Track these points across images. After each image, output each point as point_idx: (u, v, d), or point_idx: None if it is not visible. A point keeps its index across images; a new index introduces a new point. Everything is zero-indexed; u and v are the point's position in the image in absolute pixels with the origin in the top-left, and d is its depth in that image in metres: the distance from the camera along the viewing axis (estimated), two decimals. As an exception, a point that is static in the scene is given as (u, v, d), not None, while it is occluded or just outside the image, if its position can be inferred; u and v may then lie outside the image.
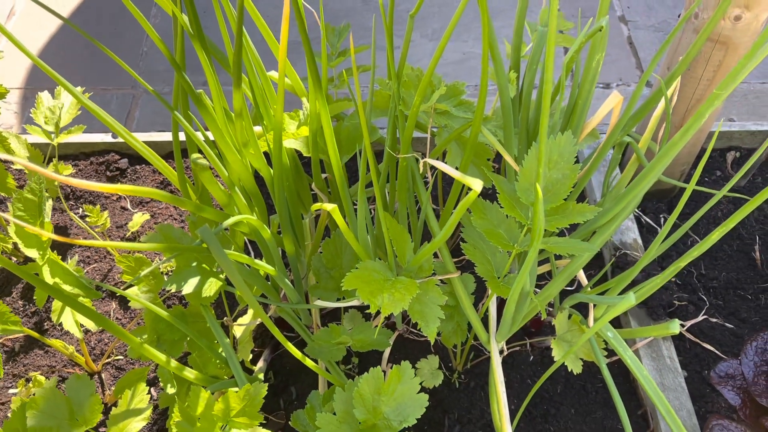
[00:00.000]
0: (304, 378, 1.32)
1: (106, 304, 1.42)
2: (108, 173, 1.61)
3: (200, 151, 1.07)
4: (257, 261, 0.96)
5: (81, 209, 1.57)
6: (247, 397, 0.90)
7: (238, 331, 1.29)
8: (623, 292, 1.15)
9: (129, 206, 1.57)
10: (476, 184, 0.67)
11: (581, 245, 0.96)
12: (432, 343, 1.35)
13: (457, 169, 0.94)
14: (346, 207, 1.03)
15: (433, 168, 1.58)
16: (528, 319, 1.13)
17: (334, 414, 0.97)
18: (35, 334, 1.12)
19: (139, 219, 1.43)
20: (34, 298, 1.03)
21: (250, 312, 1.39)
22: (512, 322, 1.08)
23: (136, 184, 1.60)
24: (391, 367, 0.96)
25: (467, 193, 1.29)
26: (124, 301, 1.43)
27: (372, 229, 1.09)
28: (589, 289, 1.21)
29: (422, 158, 1.14)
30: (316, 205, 0.91)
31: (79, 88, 1.39)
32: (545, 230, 1.02)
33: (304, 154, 1.11)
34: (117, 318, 1.39)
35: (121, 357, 1.34)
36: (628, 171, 1.16)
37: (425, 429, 1.25)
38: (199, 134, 1.22)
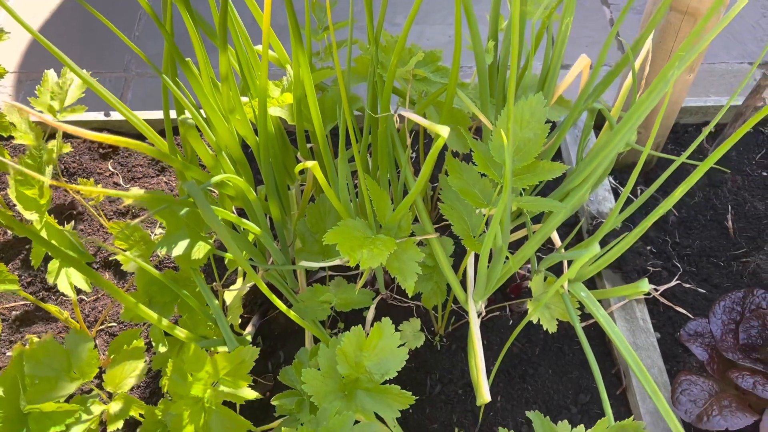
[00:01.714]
0: (292, 342, 1.37)
1: (99, 274, 1.46)
2: (101, 150, 1.65)
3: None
4: (244, 220, 1.01)
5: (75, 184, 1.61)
6: (238, 359, 0.95)
7: (228, 297, 1.33)
8: (596, 253, 1.20)
9: (121, 182, 1.61)
10: (444, 131, 0.72)
11: (551, 203, 1.01)
12: (414, 309, 1.40)
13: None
14: (328, 169, 1.08)
15: (414, 143, 1.63)
16: (504, 279, 1.18)
17: (319, 370, 1.02)
18: (31, 297, 1.16)
19: (132, 194, 1.47)
20: (30, 258, 1.07)
21: (240, 280, 1.43)
22: (488, 280, 1.13)
23: (128, 161, 1.64)
24: (375, 330, 1.01)
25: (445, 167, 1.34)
26: (117, 273, 1.48)
27: (353, 192, 1.14)
28: (563, 250, 1.26)
29: (401, 124, 1.19)
30: (300, 165, 0.95)
31: (55, 77, 1.43)
32: (519, 190, 1.07)
33: (289, 122, 1.15)
34: (110, 287, 1.44)
35: (114, 324, 1.39)
36: (601, 138, 1.21)
37: (408, 389, 1.29)
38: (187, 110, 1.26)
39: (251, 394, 0.95)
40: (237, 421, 0.95)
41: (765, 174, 1.60)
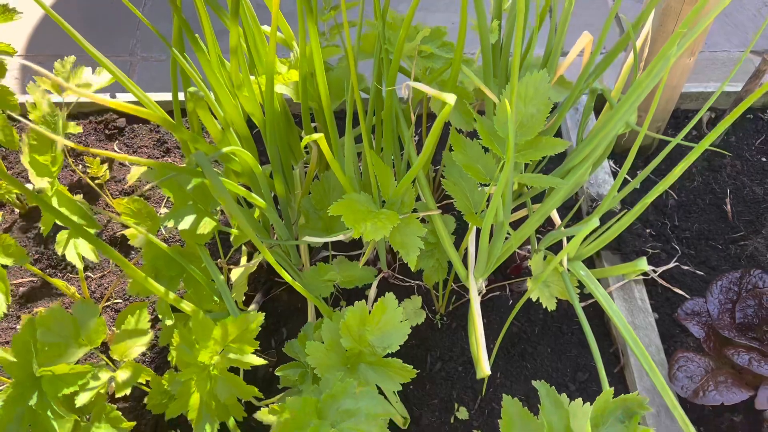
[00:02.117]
0: (295, 320, 1.39)
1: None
2: (107, 131, 1.67)
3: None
4: (250, 193, 1.03)
5: (80, 166, 1.63)
6: (244, 325, 0.97)
7: (233, 275, 1.35)
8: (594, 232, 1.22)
9: (127, 163, 1.63)
10: (450, 98, 0.74)
11: (552, 179, 1.03)
12: (416, 288, 1.42)
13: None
14: (334, 143, 1.09)
15: (417, 126, 1.65)
16: (505, 257, 1.20)
17: (323, 343, 1.04)
18: (38, 271, 1.18)
19: (136, 172, 1.48)
20: (41, 226, 1.09)
21: (243, 259, 1.45)
22: (488, 257, 1.15)
23: (133, 142, 1.66)
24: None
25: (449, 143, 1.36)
26: (122, 250, 1.49)
27: (358, 170, 1.15)
28: (563, 228, 1.28)
29: (406, 103, 1.21)
30: (307, 138, 0.97)
31: (72, 57, 1.44)
32: (521, 165, 1.09)
33: (294, 100, 1.17)
34: (116, 265, 1.46)
35: (120, 300, 1.41)
36: (601, 118, 1.22)
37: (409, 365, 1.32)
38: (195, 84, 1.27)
39: (257, 360, 0.97)
40: (242, 387, 0.97)
41: (764, 159, 1.62)
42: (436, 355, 1.33)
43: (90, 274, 1.44)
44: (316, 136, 0.93)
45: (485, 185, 1.13)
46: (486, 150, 1.08)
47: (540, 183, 1.00)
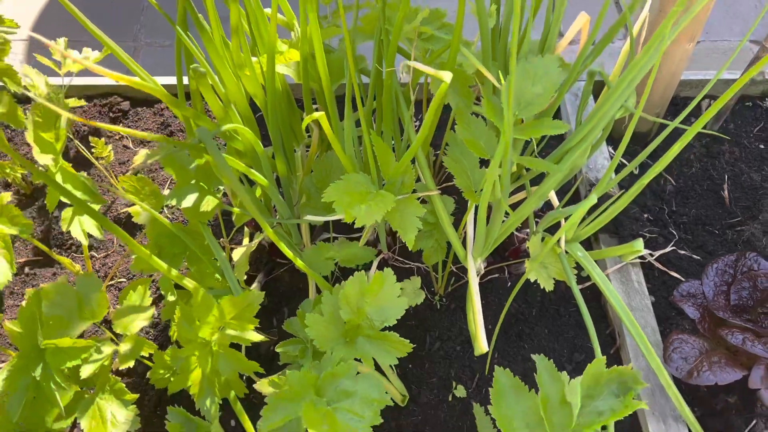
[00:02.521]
0: (296, 300, 1.40)
1: (107, 234, 1.50)
2: (111, 114, 1.69)
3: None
4: (252, 170, 1.04)
5: (82, 148, 1.65)
6: (244, 302, 0.98)
7: (235, 255, 1.37)
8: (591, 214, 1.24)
9: (130, 145, 1.64)
10: (446, 76, 0.75)
11: (547, 164, 1.04)
12: (415, 270, 1.43)
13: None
14: (334, 123, 1.11)
15: (418, 111, 1.66)
16: (503, 238, 1.22)
17: (322, 316, 1.06)
18: (43, 246, 1.20)
19: (142, 154, 1.50)
20: (45, 202, 1.11)
21: (245, 240, 1.47)
22: (487, 236, 1.16)
23: (137, 126, 1.67)
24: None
25: (452, 117, 1.37)
26: (126, 230, 1.51)
27: (359, 152, 1.17)
28: (560, 209, 1.29)
29: (406, 85, 1.22)
30: (309, 117, 0.98)
31: (64, 38, 1.45)
32: (521, 144, 1.10)
33: (295, 80, 1.18)
34: (120, 245, 1.48)
35: (123, 279, 1.43)
36: (599, 101, 1.24)
37: (408, 345, 1.34)
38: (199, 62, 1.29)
39: (257, 337, 0.99)
40: (244, 363, 0.99)
41: (762, 147, 1.63)
42: (435, 335, 1.35)
43: (94, 254, 1.46)
44: (317, 114, 0.95)
45: (485, 167, 1.15)
46: (488, 128, 1.09)
47: (536, 165, 1.02)
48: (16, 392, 0.92)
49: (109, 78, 0.76)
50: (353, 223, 1.12)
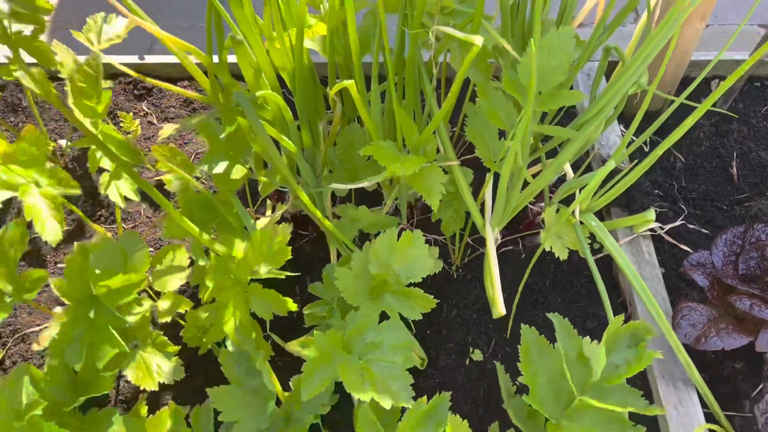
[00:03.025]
0: (318, 269, 1.45)
1: (136, 205, 1.55)
2: (135, 92, 1.74)
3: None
4: (282, 136, 1.09)
5: (109, 123, 1.70)
6: (276, 237, 1.03)
7: (259, 224, 1.42)
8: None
9: (155, 121, 1.69)
10: (477, 39, 0.80)
11: (567, 130, 1.09)
12: (432, 242, 1.48)
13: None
14: (361, 92, 1.15)
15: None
16: (521, 207, 1.27)
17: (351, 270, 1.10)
18: (79, 212, 1.25)
19: (167, 130, 1.55)
20: (88, 165, 1.16)
21: (269, 212, 1.52)
22: (505, 205, 1.21)
23: (161, 102, 1.72)
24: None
25: (469, 93, 1.41)
26: (152, 204, 1.56)
27: (383, 122, 1.22)
28: (576, 178, 1.34)
29: (427, 62, 1.26)
30: (338, 86, 1.03)
31: (101, 14, 1.49)
32: (540, 114, 1.15)
33: (321, 54, 1.23)
34: (147, 216, 1.53)
35: (151, 249, 1.48)
36: (613, 77, 1.28)
37: (426, 314, 1.38)
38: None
39: (289, 273, 1.03)
40: (279, 301, 1.04)
41: (770, 126, 1.68)
42: (452, 303, 1.40)
43: (123, 225, 1.51)
44: (347, 82, 0.99)
45: (503, 138, 1.20)
46: (507, 101, 1.14)
47: (556, 132, 1.07)
48: (71, 343, 0.97)
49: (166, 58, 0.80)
50: (373, 195, 1.17)
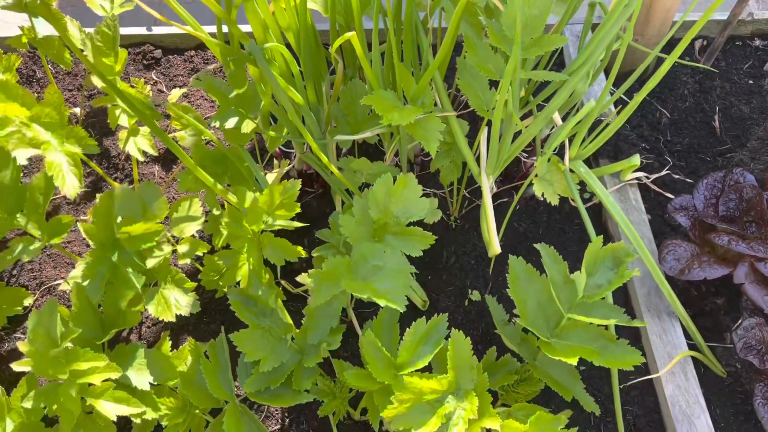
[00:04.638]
0: (324, 224, 1.53)
1: (150, 167, 1.63)
2: (144, 62, 1.81)
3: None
4: (290, 87, 1.17)
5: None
6: (286, 190, 1.12)
7: (268, 178, 1.50)
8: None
9: (164, 89, 1.77)
10: (467, -16, 0.88)
11: (554, 73, 1.17)
12: (431, 195, 1.57)
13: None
14: (360, 39, 1.23)
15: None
16: (514, 155, 1.35)
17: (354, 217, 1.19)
18: (98, 169, 1.34)
19: (176, 93, 1.63)
20: (108, 122, 1.24)
21: (276, 168, 1.60)
22: (499, 152, 1.29)
23: (169, 71, 1.80)
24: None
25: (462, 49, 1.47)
26: (164, 166, 1.65)
27: (383, 74, 1.29)
28: (562, 130, 1.42)
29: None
30: (342, 38, 1.11)
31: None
32: (527, 62, 1.23)
33: (323, 14, 1.31)
34: (161, 177, 1.61)
35: (166, 207, 1.56)
36: (597, 29, 1.36)
37: (427, 261, 1.47)
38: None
39: (299, 224, 1.12)
40: (289, 248, 1.12)
41: (751, 82, 1.75)
42: (451, 251, 1.49)
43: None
44: (350, 34, 1.07)
45: (495, 89, 1.27)
46: (495, 51, 1.22)
47: (543, 77, 1.15)
48: (95, 279, 1.05)
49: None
50: (374, 152, 1.23)
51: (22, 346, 1.02)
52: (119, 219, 1.11)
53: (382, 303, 1.00)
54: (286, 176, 1.59)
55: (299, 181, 1.13)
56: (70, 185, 1.15)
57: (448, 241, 1.50)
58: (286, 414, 1.30)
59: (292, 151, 1.62)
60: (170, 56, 1.83)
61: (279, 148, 1.62)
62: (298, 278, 1.23)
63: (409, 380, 0.98)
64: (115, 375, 0.99)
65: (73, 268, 1.44)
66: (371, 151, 1.61)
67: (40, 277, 1.44)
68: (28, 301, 1.27)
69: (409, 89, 1.20)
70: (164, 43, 1.84)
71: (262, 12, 1.17)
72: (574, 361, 1.01)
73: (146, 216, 1.13)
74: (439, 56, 1.13)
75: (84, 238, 1.51)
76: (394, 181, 1.15)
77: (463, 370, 1.02)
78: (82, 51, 1.25)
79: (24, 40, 1.51)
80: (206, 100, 1.76)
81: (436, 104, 1.43)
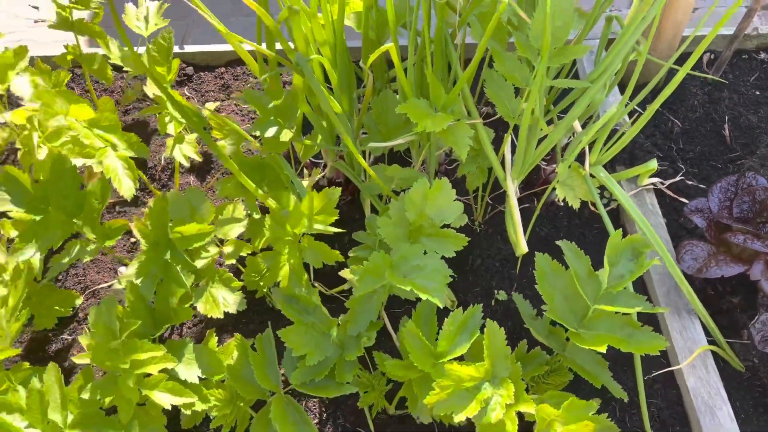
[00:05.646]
0: (353, 227, 1.60)
1: (185, 177, 1.71)
2: (177, 78, 1.89)
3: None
4: (330, 96, 1.25)
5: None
6: (327, 197, 1.19)
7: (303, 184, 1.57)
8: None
9: (197, 104, 1.85)
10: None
11: (576, 81, 1.25)
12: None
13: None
14: (395, 54, 1.31)
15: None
16: (538, 160, 1.42)
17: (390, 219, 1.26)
18: (144, 176, 1.41)
19: (211, 107, 1.71)
20: (158, 127, 1.32)
21: (307, 176, 1.67)
22: (524, 156, 1.37)
23: (201, 88, 1.88)
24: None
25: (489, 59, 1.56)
26: (199, 175, 1.72)
27: (415, 87, 1.37)
28: (583, 137, 1.49)
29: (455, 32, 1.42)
30: (377, 51, 1.18)
31: None
32: (552, 71, 1.30)
33: (356, 29, 1.39)
34: (196, 187, 1.68)
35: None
36: (614, 43, 1.44)
37: (454, 263, 1.53)
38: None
39: (336, 229, 1.19)
40: (327, 252, 1.19)
41: (758, 93, 1.83)
42: (477, 254, 1.56)
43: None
44: (388, 45, 1.15)
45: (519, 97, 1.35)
46: (520, 62, 1.30)
47: (567, 84, 1.22)
48: (147, 277, 1.12)
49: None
50: (401, 161, 1.29)
51: (83, 340, 1.08)
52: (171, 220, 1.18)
53: (423, 296, 1.07)
54: (316, 185, 1.67)
55: (339, 189, 1.20)
56: (126, 187, 1.23)
57: (473, 244, 1.57)
58: (323, 409, 1.35)
59: (319, 161, 1.69)
60: (201, 73, 1.91)
61: (308, 159, 1.70)
62: (341, 273, 1.30)
63: (450, 367, 1.04)
64: (171, 365, 1.06)
65: (115, 273, 1.51)
66: (398, 159, 1.69)
67: (84, 282, 1.51)
68: (78, 303, 1.33)
69: (440, 99, 1.27)
70: (195, 60, 1.92)
71: (305, 28, 1.26)
72: (603, 349, 1.08)
73: (195, 218, 1.20)
74: (469, 68, 1.21)
75: (124, 245, 1.57)
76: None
77: (498, 359, 1.08)
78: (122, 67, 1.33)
79: (69, 57, 1.59)
80: (237, 114, 1.84)
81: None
